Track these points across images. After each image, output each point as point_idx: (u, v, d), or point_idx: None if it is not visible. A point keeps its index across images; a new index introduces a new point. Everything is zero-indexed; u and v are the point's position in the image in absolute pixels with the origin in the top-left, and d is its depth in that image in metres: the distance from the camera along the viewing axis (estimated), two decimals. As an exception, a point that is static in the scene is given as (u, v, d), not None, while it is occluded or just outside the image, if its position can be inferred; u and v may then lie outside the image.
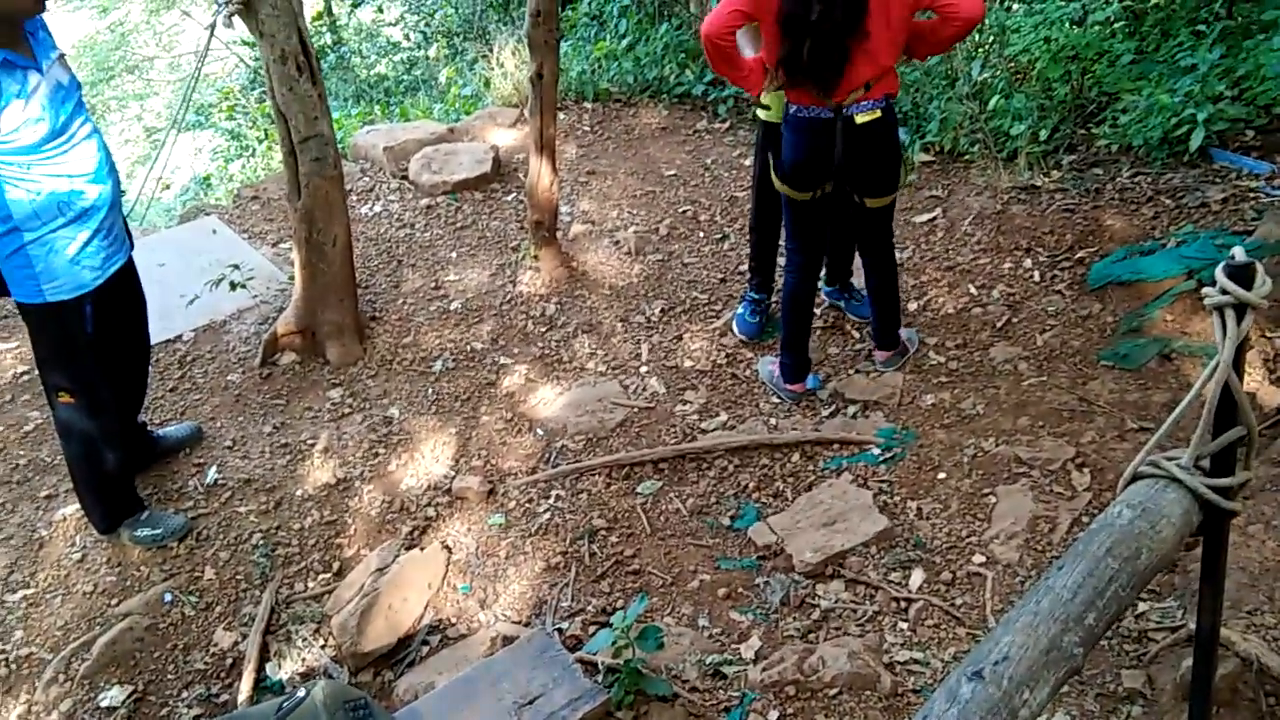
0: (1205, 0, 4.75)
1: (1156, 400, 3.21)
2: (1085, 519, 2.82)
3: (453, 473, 3.48)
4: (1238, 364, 1.12)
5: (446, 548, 3.19)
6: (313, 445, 3.58)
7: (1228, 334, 1.09)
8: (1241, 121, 4.12)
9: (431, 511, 3.34)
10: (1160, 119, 4.15)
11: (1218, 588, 1.38)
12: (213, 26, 3.51)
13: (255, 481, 3.44)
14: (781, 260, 3.69)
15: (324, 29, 10.30)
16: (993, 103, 4.65)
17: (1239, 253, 1.11)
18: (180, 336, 4.11)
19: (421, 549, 3.16)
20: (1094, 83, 4.68)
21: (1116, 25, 4.70)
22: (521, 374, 3.91)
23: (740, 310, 4.01)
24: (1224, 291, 1.09)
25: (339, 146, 3.81)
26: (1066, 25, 4.62)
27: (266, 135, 7.91)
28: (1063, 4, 4.65)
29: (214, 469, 3.47)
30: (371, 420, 3.71)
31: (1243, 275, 1.09)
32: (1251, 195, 3.83)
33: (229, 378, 3.91)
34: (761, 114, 3.50)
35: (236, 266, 4.18)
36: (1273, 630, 2.23)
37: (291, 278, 4.11)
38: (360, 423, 3.70)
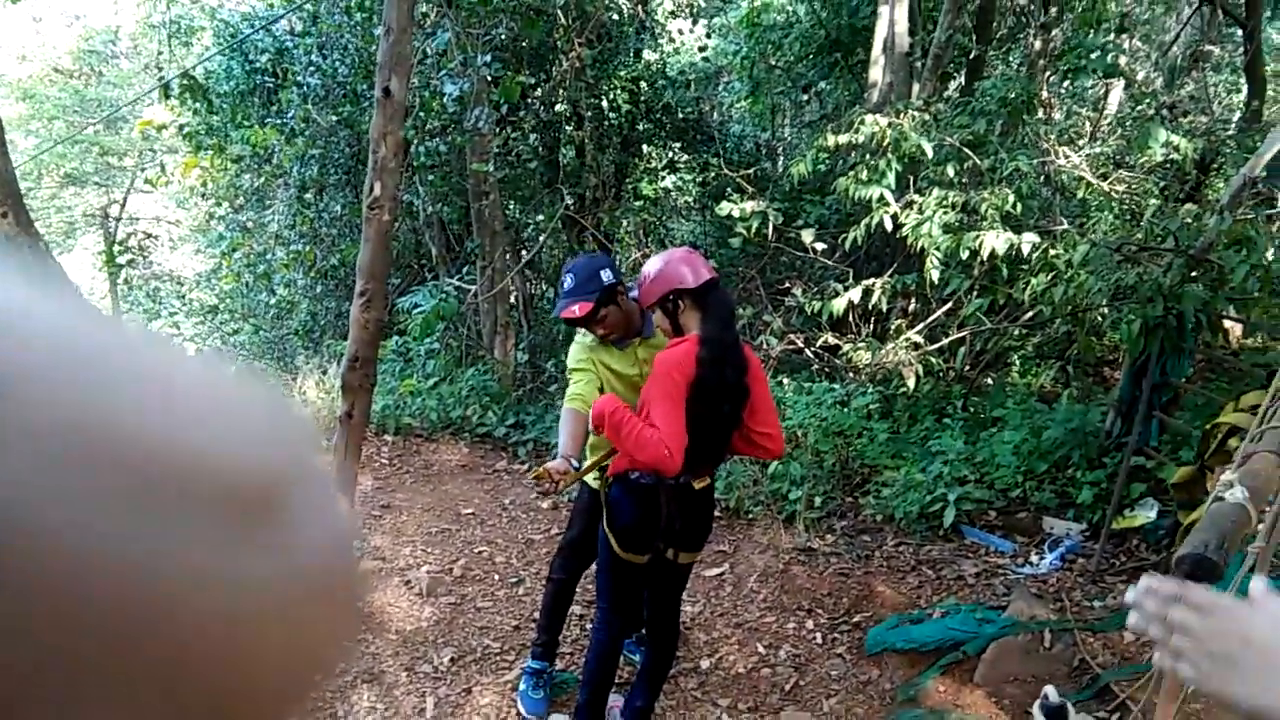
0: (944, 394, 5.57)
1: (938, 775, 3.32)
2: None
3: None
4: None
5: None
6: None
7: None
8: (985, 503, 4.69)
9: None
10: (916, 495, 4.66)
11: None
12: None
13: None
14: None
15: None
16: (772, 467, 5.09)
17: (1051, 692, 1.23)
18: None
19: None
20: (857, 456, 5.24)
21: (873, 408, 5.36)
22: (291, 732, 3.54)
23: (522, 687, 3.78)
24: (1046, 737, 1.19)
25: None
26: (833, 405, 5.24)
27: None
28: (829, 389, 5.30)
29: None
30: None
31: (1058, 715, 1.20)
32: (1000, 571, 4.28)
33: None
34: (593, 483, 3.47)
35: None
36: None
37: None
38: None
